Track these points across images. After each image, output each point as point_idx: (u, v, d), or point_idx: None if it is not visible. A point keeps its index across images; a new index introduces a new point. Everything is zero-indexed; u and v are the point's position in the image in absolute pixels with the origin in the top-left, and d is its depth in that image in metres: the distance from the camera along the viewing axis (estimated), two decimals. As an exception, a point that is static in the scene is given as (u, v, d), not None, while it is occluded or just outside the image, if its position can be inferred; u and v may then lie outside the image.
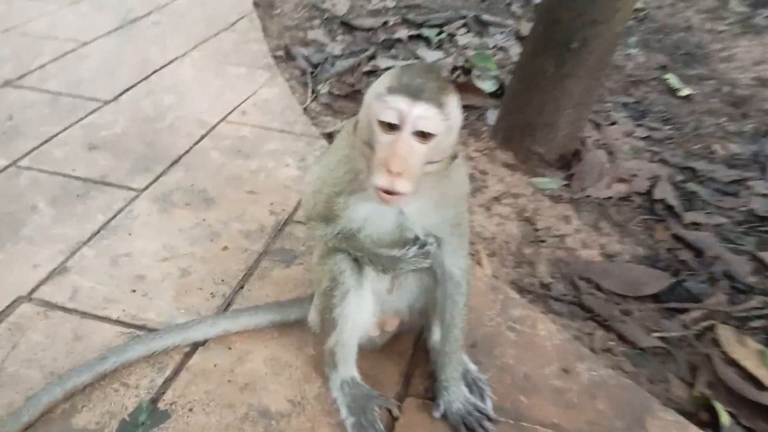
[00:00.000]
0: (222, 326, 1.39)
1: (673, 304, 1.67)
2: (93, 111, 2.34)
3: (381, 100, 0.90)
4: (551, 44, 2.06)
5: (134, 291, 1.54)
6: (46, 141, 2.14)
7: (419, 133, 0.89)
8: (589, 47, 2.01)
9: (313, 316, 1.28)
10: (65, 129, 2.22)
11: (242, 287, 1.56)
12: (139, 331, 1.42)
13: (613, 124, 2.66)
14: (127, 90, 2.50)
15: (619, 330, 1.58)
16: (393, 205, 0.87)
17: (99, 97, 2.43)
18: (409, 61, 3.12)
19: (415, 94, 0.88)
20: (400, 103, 0.88)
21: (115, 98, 2.43)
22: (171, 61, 2.77)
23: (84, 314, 1.47)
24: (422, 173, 0.92)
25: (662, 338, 1.57)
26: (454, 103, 0.94)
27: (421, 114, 0.88)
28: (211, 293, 1.54)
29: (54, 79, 2.56)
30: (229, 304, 1.51)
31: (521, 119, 2.24)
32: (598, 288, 1.74)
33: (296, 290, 1.55)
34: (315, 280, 1.25)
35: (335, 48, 3.20)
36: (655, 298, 1.71)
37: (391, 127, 0.90)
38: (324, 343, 1.23)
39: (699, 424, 1.31)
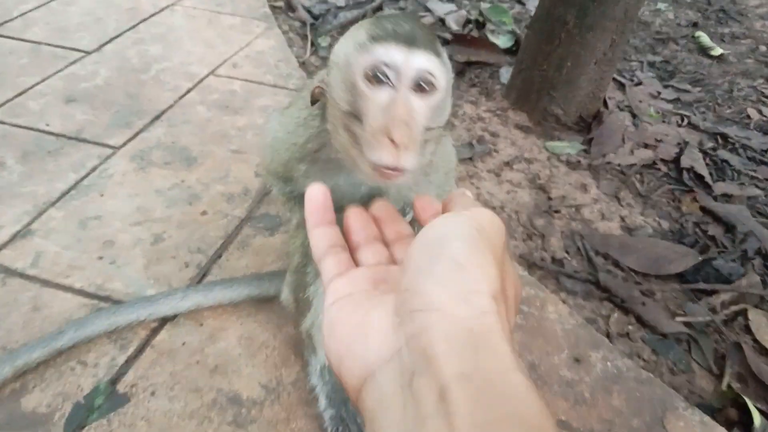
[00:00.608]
0: (193, 300, 1.25)
1: (700, 285, 1.50)
2: (75, 61, 2.16)
3: (366, 52, 0.67)
4: (573, -8, 1.84)
5: (101, 258, 1.39)
6: (22, 92, 1.98)
7: (418, 87, 0.67)
8: (615, -4, 1.79)
9: (286, 294, 1.13)
10: (43, 80, 2.05)
11: (220, 256, 1.42)
12: (103, 303, 1.29)
13: (638, 84, 2.45)
14: (113, 39, 2.32)
15: (639, 313, 1.42)
16: (392, 183, 0.65)
17: (82, 48, 2.25)
18: (418, 15, 2.89)
19: (408, 40, 0.66)
20: (393, 51, 0.65)
21: (99, 48, 2.26)
22: (162, 9, 2.57)
23: (45, 282, 1.33)
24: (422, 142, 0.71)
25: (687, 323, 1.41)
26: (446, 54, 0.74)
27: (420, 62, 0.66)
28: (186, 262, 1.39)
29: (36, 27, 2.38)
30: (204, 275, 1.36)
31: (537, 76, 2.04)
32: (617, 265, 1.57)
33: (278, 261, 1.40)
34: (289, 252, 1.10)
35: (339, -1, 2.98)
36: (681, 277, 1.54)
37: (381, 84, 0.67)
38: (300, 324, 1.08)
39: (727, 423, 1.16)
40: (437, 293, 0.45)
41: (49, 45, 2.27)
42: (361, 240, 0.63)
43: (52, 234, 1.45)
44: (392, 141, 0.62)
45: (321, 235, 0.62)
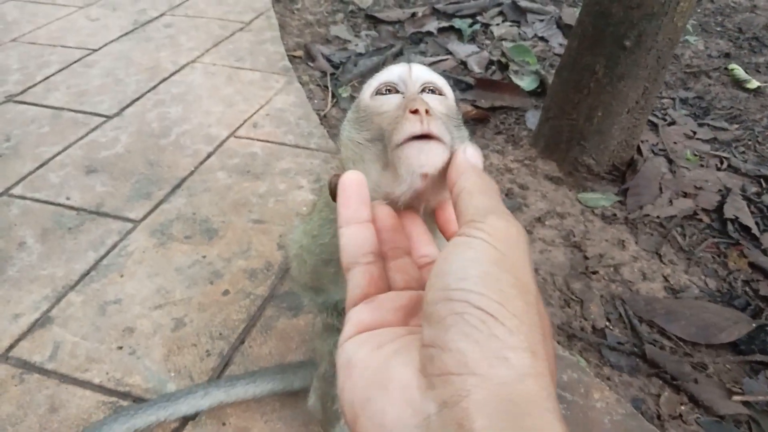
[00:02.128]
0: (215, 397, 1.19)
1: (757, 357, 1.39)
2: (95, 128, 2.16)
3: (371, 85, 0.66)
4: (601, 41, 1.77)
5: (121, 348, 1.35)
6: (43, 164, 1.97)
7: (426, 89, 0.64)
8: (646, 45, 1.71)
9: (313, 401, 1.06)
10: (64, 149, 2.04)
11: (242, 342, 1.35)
12: (122, 401, 1.23)
13: (671, 124, 2.35)
14: (133, 102, 2.32)
15: (692, 391, 1.31)
16: (430, 160, 0.54)
17: (102, 112, 2.25)
18: (439, 57, 2.85)
19: (407, 62, 0.66)
20: (395, 68, 0.65)
21: (120, 112, 2.25)
22: (181, 68, 2.57)
23: (63, 377, 1.28)
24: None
25: (746, 402, 1.29)
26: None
27: (422, 71, 0.65)
28: (207, 351, 1.33)
29: (58, 92, 2.39)
30: (226, 365, 1.30)
31: (566, 125, 1.96)
32: (663, 333, 1.47)
33: (303, 346, 1.33)
34: (316, 354, 1.03)
35: (359, 45, 2.95)
36: (734, 347, 1.43)
37: (390, 93, 0.64)
38: (329, 430, 1.01)
39: None
40: (470, 352, 0.38)
41: (70, 110, 2.27)
42: (389, 251, 0.54)
43: (71, 322, 1.41)
44: (413, 112, 0.56)
45: (352, 237, 0.52)
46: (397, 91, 0.63)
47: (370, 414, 0.41)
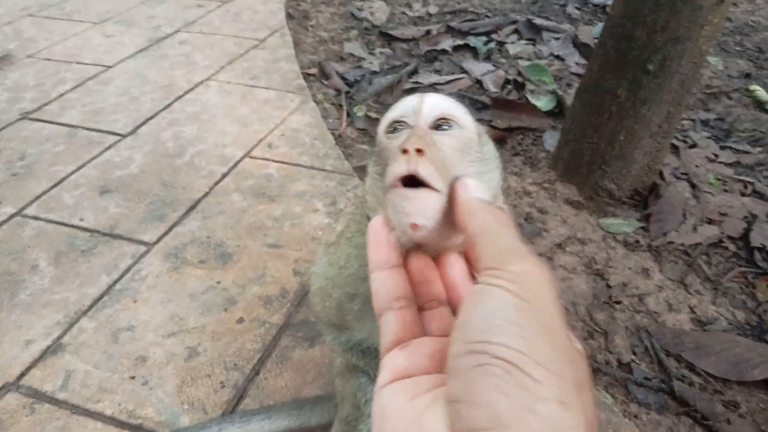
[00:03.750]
0: (229, 434, 1.15)
1: (791, 396, 1.34)
2: (109, 147, 2.14)
3: (387, 118, 0.63)
4: (623, 64, 1.73)
5: (133, 377, 1.31)
6: (57, 184, 1.95)
7: (438, 127, 0.58)
8: (670, 69, 1.67)
9: (334, 445, 1.02)
10: (78, 168, 2.03)
11: (257, 373, 1.32)
12: (134, 434, 1.20)
13: (692, 146, 2.30)
14: (148, 120, 2.30)
15: (724, 432, 1.26)
16: (423, 209, 0.49)
17: (117, 130, 2.24)
18: (454, 76, 2.82)
19: (422, 94, 0.62)
20: (408, 100, 0.61)
21: (134, 130, 2.24)
22: (196, 86, 2.56)
23: (75, 408, 1.25)
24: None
25: (781, 445, 1.24)
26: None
27: (435, 100, 0.60)
28: (221, 382, 1.30)
29: (73, 110, 2.39)
30: (241, 397, 1.27)
31: (587, 149, 1.92)
32: (692, 369, 1.42)
33: (319, 379, 1.29)
34: (337, 394, 0.99)
35: (373, 63, 2.93)
36: (767, 384, 1.38)
37: (401, 130, 0.61)
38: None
39: None
40: (499, 404, 0.35)
41: (85, 128, 2.26)
42: (425, 303, 0.51)
43: (83, 349, 1.38)
44: (404, 152, 0.51)
45: (384, 282, 0.50)
46: (407, 125, 0.60)
47: None
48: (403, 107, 0.61)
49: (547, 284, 0.41)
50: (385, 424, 0.42)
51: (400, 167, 0.51)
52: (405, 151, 0.51)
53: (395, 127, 0.61)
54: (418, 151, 0.51)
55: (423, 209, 0.49)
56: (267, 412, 1.17)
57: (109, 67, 2.74)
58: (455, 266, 0.53)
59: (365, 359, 0.86)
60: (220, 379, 1.31)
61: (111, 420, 1.23)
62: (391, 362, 0.46)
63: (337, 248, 0.92)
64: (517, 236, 0.45)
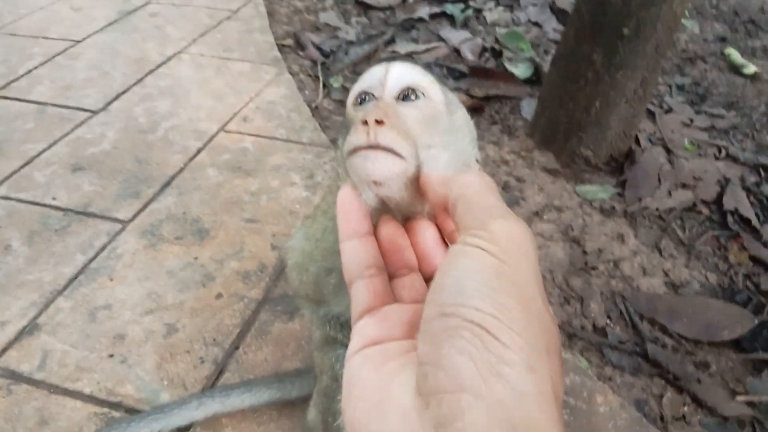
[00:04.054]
0: (210, 408, 1.15)
1: (760, 355, 1.37)
2: (81, 123, 2.10)
3: (354, 89, 0.62)
4: (598, 30, 1.72)
5: (112, 356, 1.31)
6: (28, 162, 1.91)
7: (404, 97, 0.57)
8: (645, 34, 1.67)
9: (313, 415, 1.02)
10: (50, 146, 1.99)
11: (237, 348, 1.32)
12: (114, 411, 1.20)
13: (668, 111, 2.32)
14: (119, 96, 2.25)
15: (695, 392, 1.30)
16: (382, 172, 0.49)
17: (88, 106, 2.19)
18: (431, 45, 2.79)
19: (388, 61, 0.60)
20: (374, 70, 0.60)
21: (106, 107, 2.19)
22: (168, 59, 2.50)
23: (53, 388, 1.25)
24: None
25: (749, 403, 1.28)
26: (446, 88, 0.64)
27: (400, 70, 0.59)
28: (201, 358, 1.30)
29: (42, 86, 2.32)
30: (220, 372, 1.27)
31: (563, 117, 1.92)
32: (665, 331, 1.45)
33: (299, 352, 1.30)
34: (315, 367, 1.00)
35: (349, 33, 2.89)
36: (737, 344, 1.41)
37: (367, 102, 0.60)
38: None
39: None
40: (463, 368, 0.35)
41: (55, 105, 2.21)
42: (396, 271, 0.51)
43: (60, 329, 1.37)
44: (363, 123, 0.50)
45: (354, 251, 0.50)
46: (373, 96, 0.59)
47: None
48: (369, 78, 0.60)
49: (529, 245, 0.41)
50: (352, 390, 0.42)
51: (359, 138, 0.50)
52: (365, 123, 0.50)
53: (362, 98, 0.60)
54: (378, 122, 0.50)
55: (383, 168, 0.49)
56: (247, 386, 1.18)
57: (78, 41, 2.67)
58: (426, 233, 0.52)
59: (343, 332, 0.87)
60: (199, 354, 1.31)
61: (90, 398, 1.23)
62: (361, 330, 0.46)
63: (313, 221, 0.91)
64: (500, 198, 0.44)
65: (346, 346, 0.84)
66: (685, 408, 1.28)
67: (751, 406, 1.27)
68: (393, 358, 0.43)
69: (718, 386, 1.31)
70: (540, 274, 0.41)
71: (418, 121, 0.56)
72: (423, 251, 0.52)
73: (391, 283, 0.51)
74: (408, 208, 0.53)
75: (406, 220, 0.53)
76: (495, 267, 0.38)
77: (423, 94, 0.58)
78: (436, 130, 0.57)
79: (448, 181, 0.47)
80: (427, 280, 0.52)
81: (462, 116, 0.64)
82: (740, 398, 1.27)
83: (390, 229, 0.52)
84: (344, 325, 0.86)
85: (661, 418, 1.26)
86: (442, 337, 0.37)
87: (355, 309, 0.48)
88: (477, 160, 0.66)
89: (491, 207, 0.42)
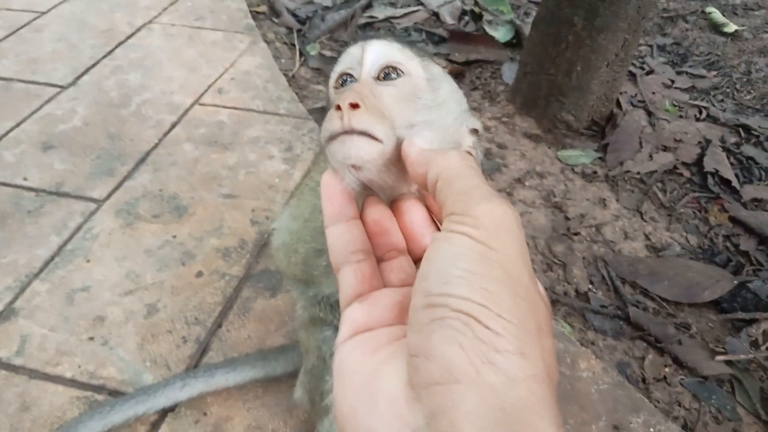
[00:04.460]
0: (195, 388, 1.14)
1: (738, 315, 1.39)
2: (49, 99, 2.03)
3: (334, 70, 0.60)
4: (580, -9, 1.69)
5: (92, 338, 1.29)
6: (-4, 141, 1.85)
7: (384, 76, 0.55)
8: (627, -7, 1.64)
9: (300, 394, 1.02)
10: (18, 124, 1.92)
11: (219, 326, 1.31)
12: (97, 395, 1.19)
13: (649, 73, 2.30)
14: (89, 69, 2.18)
15: (675, 353, 1.31)
16: (359, 153, 0.48)
17: (56, 81, 2.11)
18: (410, 9, 2.73)
19: (367, 40, 0.59)
20: (352, 50, 0.59)
21: (75, 81, 2.12)
22: (138, 29, 2.42)
23: (33, 373, 1.23)
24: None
25: (728, 362, 1.30)
26: (429, 60, 0.62)
27: (378, 47, 0.57)
28: (183, 337, 1.29)
29: (6, 61, 2.24)
30: (204, 351, 1.26)
31: (544, 81, 1.90)
32: (647, 294, 1.46)
33: (282, 328, 1.29)
34: (301, 345, 0.99)
35: (326, -3, 2.81)
36: (717, 305, 1.43)
37: (346, 84, 0.58)
38: (316, 427, 0.98)
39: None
40: (454, 358, 0.35)
41: (21, 81, 2.13)
42: (384, 254, 0.50)
43: (38, 312, 1.34)
44: (337, 108, 0.49)
45: (340, 236, 0.49)
46: (353, 78, 0.57)
47: (357, 427, 0.39)
48: (347, 59, 0.58)
49: (514, 226, 0.40)
50: (342, 378, 0.42)
51: (333, 124, 0.48)
52: (338, 108, 0.48)
53: (343, 80, 0.58)
54: (354, 105, 0.48)
55: (360, 152, 0.47)
56: (231, 365, 1.17)
57: (43, 12, 2.56)
58: (414, 213, 0.51)
59: (333, 313, 0.85)
60: (181, 334, 1.29)
61: (72, 382, 1.21)
62: (351, 316, 0.45)
63: (299, 200, 0.89)
64: (482, 178, 0.43)
65: (335, 327, 0.83)
66: (666, 369, 1.30)
67: (730, 365, 1.29)
68: (383, 346, 0.42)
69: (698, 347, 1.33)
70: (527, 252, 0.40)
71: (397, 100, 0.53)
72: (411, 232, 0.51)
73: (379, 266, 0.49)
74: (393, 189, 0.51)
75: (393, 201, 0.52)
76: (480, 252, 0.38)
77: (402, 72, 0.55)
78: (417, 108, 0.55)
79: (428, 160, 0.45)
80: (416, 260, 0.51)
81: (448, 90, 0.61)
82: (720, 358, 1.30)
83: (376, 212, 0.50)
84: (334, 306, 0.85)
85: (643, 380, 1.28)
86: (432, 328, 0.36)
87: (344, 295, 0.47)
88: (476, 130, 0.64)
89: (472, 189, 0.41)
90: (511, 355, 0.35)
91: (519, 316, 0.36)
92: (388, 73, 0.55)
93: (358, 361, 0.42)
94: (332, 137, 0.48)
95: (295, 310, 1.00)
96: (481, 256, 0.37)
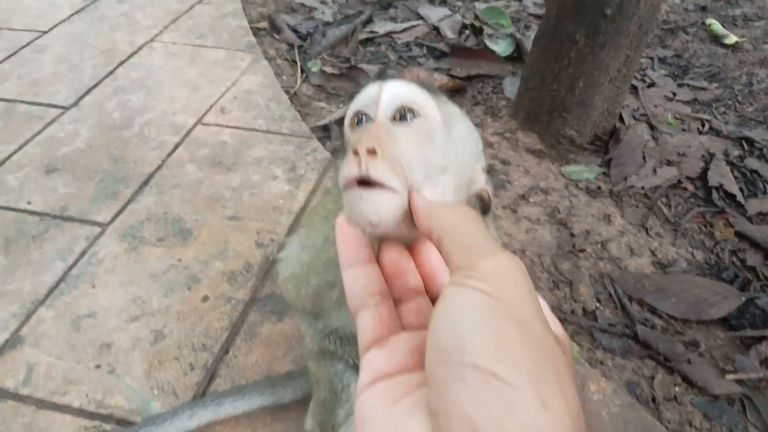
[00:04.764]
0: (203, 417, 1.14)
1: (747, 332, 1.39)
2: (52, 121, 2.03)
3: (351, 109, 0.60)
4: (581, 8, 1.69)
5: (99, 366, 1.28)
6: (-1, 164, 1.85)
7: (400, 117, 0.54)
8: (628, 12, 1.64)
9: (311, 425, 1.01)
10: (21, 147, 1.92)
11: (227, 352, 1.30)
12: (105, 424, 1.18)
13: (651, 85, 2.30)
14: (90, 90, 2.18)
15: (685, 372, 1.31)
16: (377, 210, 0.47)
17: (58, 102, 2.12)
18: (410, 23, 2.74)
19: (384, 80, 0.58)
20: (369, 89, 0.58)
21: (77, 102, 2.12)
22: (139, 48, 2.42)
23: (40, 402, 1.22)
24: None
25: (738, 380, 1.29)
26: (446, 100, 0.61)
27: (395, 87, 0.56)
28: (190, 364, 1.28)
29: (8, 82, 2.24)
30: (211, 378, 1.25)
31: (547, 97, 1.90)
32: (654, 312, 1.45)
33: (290, 353, 1.29)
34: (311, 375, 0.98)
35: (326, 13, 2.82)
36: (725, 322, 1.42)
37: (362, 124, 0.57)
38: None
39: None
40: (478, 417, 0.35)
41: (23, 102, 2.13)
42: (401, 295, 0.50)
43: (44, 340, 1.34)
44: (355, 153, 0.48)
45: (356, 280, 0.49)
46: (369, 118, 0.56)
47: None
48: (363, 99, 0.57)
49: (520, 275, 0.40)
50: (365, 427, 0.42)
51: (351, 170, 0.48)
52: (356, 153, 0.48)
53: (359, 119, 0.57)
54: (370, 151, 0.48)
55: (378, 209, 0.47)
56: (239, 392, 1.16)
57: (44, 32, 2.57)
58: (430, 253, 0.51)
59: (344, 347, 0.85)
60: (188, 360, 1.29)
61: (79, 412, 1.20)
62: (370, 363, 0.45)
63: (309, 228, 0.89)
64: (486, 231, 0.43)
65: (346, 360, 0.82)
66: (676, 388, 1.29)
67: (740, 384, 1.29)
68: (405, 395, 0.42)
69: (707, 365, 1.32)
70: (537, 300, 0.40)
71: (412, 142, 0.52)
72: (428, 272, 0.51)
73: (397, 308, 0.49)
74: (409, 237, 0.51)
75: (409, 241, 0.52)
76: (490, 305, 0.37)
77: (419, 113, 0.55)
78: (432, 150, 0.54)
79: (430, 215, 0.46)
80: (434, 300, 0.51)
81: (463, 129, 0.61)
82: (730, 377, 1.29)
83: (393, 253, 0.50)
84: (344, 339, 0.84)
85: (653, 400, 1.27)
86: (451, 387, 0.36)
87: (362, 339, 0.47)
88: (483, 169, 0.63)
89: (476, 244, 0.41)
90: (533, 407, 0.34)
91: (536, 365, 0.36)
92: (404, 114, 0.54)
93: (381, 410, 0.42)
94: (349, 185, 0.48)
95: (305, 341, 0.99)
96: (492, 310, 0.37)
